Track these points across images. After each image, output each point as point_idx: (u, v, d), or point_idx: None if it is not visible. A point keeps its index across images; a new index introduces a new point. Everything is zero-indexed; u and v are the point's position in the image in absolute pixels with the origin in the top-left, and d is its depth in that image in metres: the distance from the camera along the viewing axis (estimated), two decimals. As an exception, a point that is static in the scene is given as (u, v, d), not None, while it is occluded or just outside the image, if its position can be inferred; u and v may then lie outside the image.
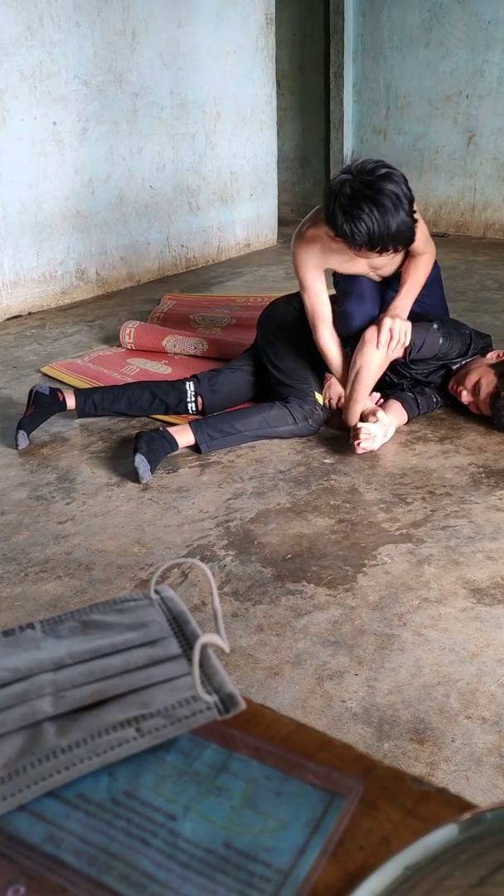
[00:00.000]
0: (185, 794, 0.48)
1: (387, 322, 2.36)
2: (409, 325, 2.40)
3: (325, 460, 2.40)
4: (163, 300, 4.00)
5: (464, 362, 2.61)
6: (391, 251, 2.24)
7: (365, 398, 2.47)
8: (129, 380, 2.92)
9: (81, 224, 4.20)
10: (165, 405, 2.63)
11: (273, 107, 5.24)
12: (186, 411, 2.64)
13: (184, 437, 2.43)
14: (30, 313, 4.05)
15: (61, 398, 2.57)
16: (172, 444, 2.39)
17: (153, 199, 4.56)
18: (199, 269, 4.93)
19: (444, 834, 0.42)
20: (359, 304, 2.50)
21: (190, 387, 2.64)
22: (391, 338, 2.37)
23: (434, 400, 2.66)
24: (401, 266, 2.57)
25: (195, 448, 2.45)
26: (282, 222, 5.78)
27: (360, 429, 2.38)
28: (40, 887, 0.43)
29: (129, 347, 3.34)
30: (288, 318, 2.65)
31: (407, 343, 2.41)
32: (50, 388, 2.59)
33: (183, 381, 2.66)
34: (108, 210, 4.32)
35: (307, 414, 2.52)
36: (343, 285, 2.55)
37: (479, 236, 5.68)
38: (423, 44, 5.55)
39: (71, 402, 2.59)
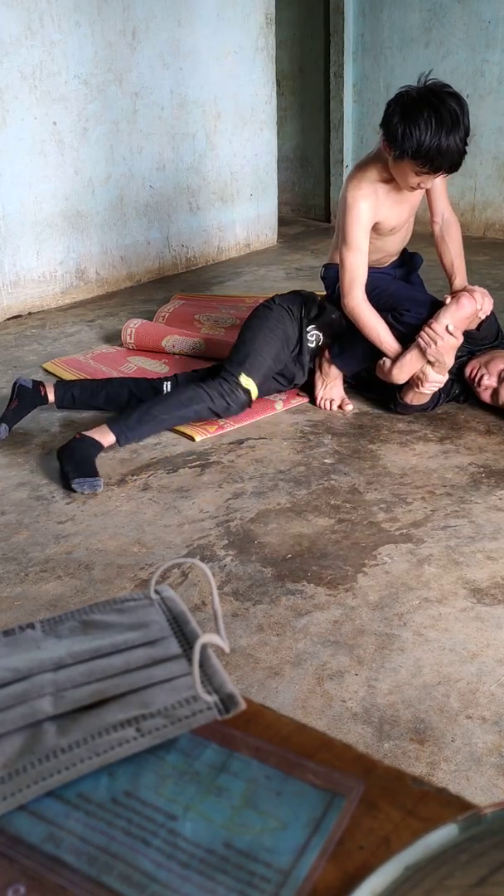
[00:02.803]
0: (186, 794, 0.48)
1: (478, 288, 2.46)
2: (490, 298, 2.50)
3: (325, 460, 2.40)
4: (172, 299, 4.01)
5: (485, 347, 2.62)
6: (436, 172, 2.27)
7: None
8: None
9: (81, 224, 4.20)
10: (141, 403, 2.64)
11: (273, 107, 5.24)
12: None
13: (105, 437, 2.37)
14: (30, 313, 4.05)
15: (43, 392, 2.59)
16: (97, 447, 2.33)
17: (153, 199, 4.56)
18: (199, 269, 4.93)
19: (445, 834, 0.42)
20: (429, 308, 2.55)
21: (167, 386, 2.65)
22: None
23: (450, 388, 2.65)
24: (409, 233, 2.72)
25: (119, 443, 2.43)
26: (282, 222, 5.78)
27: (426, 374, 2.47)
28: (40, 887, 0.43)
29: (129, 347, 3.35)
30: (260, 311, 2.68)
31: (490, 308, 2.49)
32: (33, 381, 2.61)
33: (161, 381, 2.67)
34: (108, 210, 4.32)
35: (224, 392, 2.48)
36: (397, 295, 2.58)
37: (480, 236, 5.68)
38: (423, 44, 5.55)
39: (52, 395, 2.61)
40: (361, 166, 2.50)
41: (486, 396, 2.57)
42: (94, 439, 2.33)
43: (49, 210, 4.01)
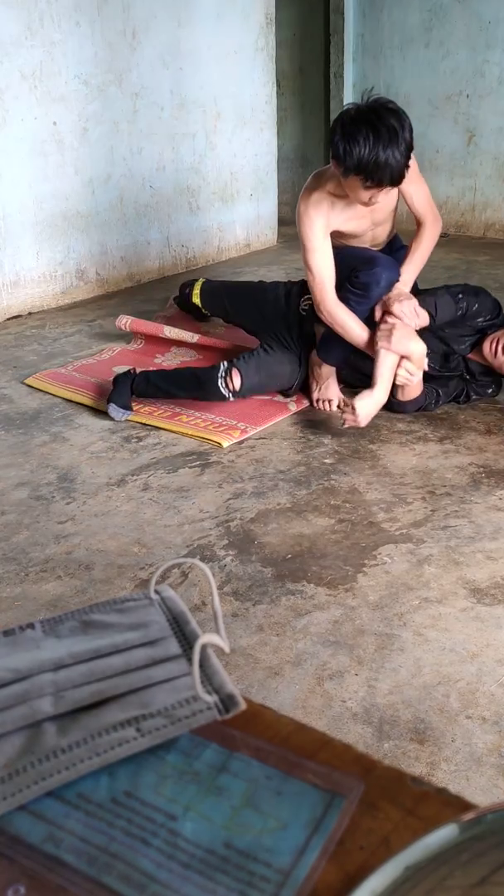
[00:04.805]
0: (186, 794, 0.48)
1: (395, 308, 2.44)
2: (414, 301, 2.47)
3: (325, 460, 2.40)
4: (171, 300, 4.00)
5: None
6: (379, 185, 2.28)
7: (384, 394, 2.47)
8: None
9: (81, 224, 4.20)
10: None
11: (273, 107, 5.24)
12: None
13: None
14: (30, 313, 4.05)
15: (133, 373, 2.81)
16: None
17: (153, 199, 4.56)
18: (200, 270, 4.93)
19: (445, 834, 0.42)
20: (386, 270, 2.55)
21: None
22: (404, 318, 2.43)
23: (451, 387, 2.64)
24: (390, 234, 2.75)
25: None
26: (282, 222, 5.78)
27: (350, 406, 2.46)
28: (40, 887, 0.43)
29: (125, 328, 3.37)
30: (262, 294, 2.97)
31: (420, 319, 2.45)
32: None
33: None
34: (108, 210, 4.32)
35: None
36: (348, 260, 2.58)
37: (480, 236, 5.68)
38: (423, 44, 5.55)
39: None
40: (316, 179, 2.53)
41: None
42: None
43: (49, 210, 4.01)
